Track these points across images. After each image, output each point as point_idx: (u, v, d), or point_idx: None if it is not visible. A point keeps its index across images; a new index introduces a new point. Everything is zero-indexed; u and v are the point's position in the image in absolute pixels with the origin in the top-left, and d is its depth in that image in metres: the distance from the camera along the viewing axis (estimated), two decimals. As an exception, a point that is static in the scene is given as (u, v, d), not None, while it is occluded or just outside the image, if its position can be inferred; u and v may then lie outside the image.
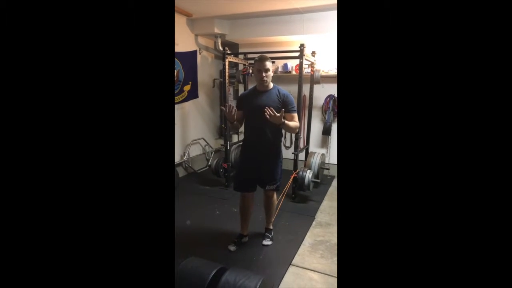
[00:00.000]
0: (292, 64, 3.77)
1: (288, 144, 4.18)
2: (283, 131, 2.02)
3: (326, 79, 3.58)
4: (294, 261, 1.95)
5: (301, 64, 2.81)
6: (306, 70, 3.33)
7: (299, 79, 2.84)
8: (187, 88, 3.64)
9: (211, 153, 4.11)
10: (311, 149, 3.73)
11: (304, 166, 3.17)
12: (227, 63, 3.07)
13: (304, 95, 3.57)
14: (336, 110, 3.68)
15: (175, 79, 3.45)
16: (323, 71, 3.51)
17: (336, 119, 3.76)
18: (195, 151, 4.00)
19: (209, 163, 3.85)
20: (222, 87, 3.97)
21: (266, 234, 2.18)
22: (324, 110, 3.77)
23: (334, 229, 2.41)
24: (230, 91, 4.02)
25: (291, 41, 3.66)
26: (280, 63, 3.87)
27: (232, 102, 2.63)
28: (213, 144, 4.29)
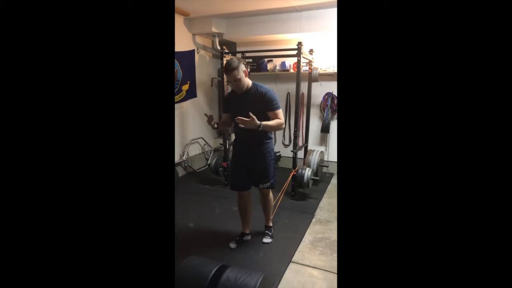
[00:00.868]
0: (290, 62, 3.78)
1: (287, 142, 4.19)
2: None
3: (324, 77, 3.58)
4: (294, 258, 1.96)
5: (299, 62, 2.82)
6: (304, 68, 3.34)
7: (297, 77, 2.85)
8: (185, 87, 3.64)
9: (210, 152, 4.12)
10: (310, 147, 3.75)
11: (303, 164, 3.18)
12: (225, 62, 3.07)
13: (302, 93, 3.58)
14: (334, 107, 3.70)
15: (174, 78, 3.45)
16: (321, 69, 3.52)
17: (334, 117, 3.77)
18: (194, 150, 4.01)
19: (208, 162, 3.85)
20: (220, 86, 3.97)
21: (266, 231, 2.20)
22: (322, 108, 3.78)
23: (333, 226, 2.42)
24: (228, 90, 4.02)
25: (289, 39, 3.67)
26: (278, 61, 3.88)
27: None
28: (212, 143, 4.30)
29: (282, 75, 3.94)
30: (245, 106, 1.81)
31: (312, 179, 2.96)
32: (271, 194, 2.12)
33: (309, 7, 3.11)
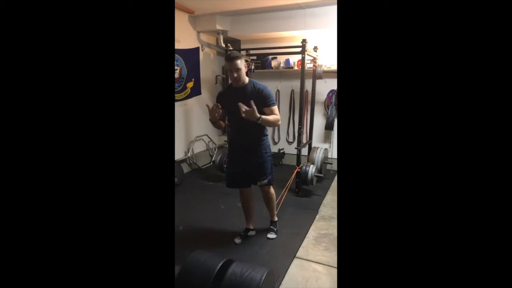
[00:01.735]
0: (294, 59, 3.78)
1: (291, 139, 4.21)
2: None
3: (328, 74, 3.58)
4: (298, 254, 1.99)
5: (303, 59, 2.82)
6: (308, 65, 3.34)
7: (302, 74, 2.86)
8: (190, 85, 3.67)
9: (215, 149, 4.15)
10: (314, 144, 3.76)
11: (307, 161, 3.20)
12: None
13: (307, 90, 3.58)
14: (338, 105, 3.70)
15: (178, 76, 3.47)
16: (325, 66, 3.52)
17: (338, 114, 3.78)
18: (199, 147, 4.04)
19: (213, 159, 3.89)
20: (224, 83, 3.99)
21: (271, 227, 2.23)
22: (326, 105, 3.78)
23: (337, 223, 2.44)
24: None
25: (293, 36, 3.67)
26: (282, 59, 3.88)
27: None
28: (217, 140, 4.33)
29: (287, 72, 3.94)
30: (241, 101, 1.82)
31: (316, 176, 2.98)
32: (272, 190, 2.13)
33: (313, 4, 3.11)
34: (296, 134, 3.18)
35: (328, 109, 3.73)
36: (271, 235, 2.17)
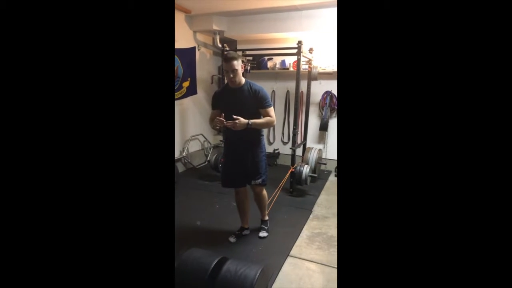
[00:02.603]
0: (289, 60, 3.81)
1: (285, 139, 4.24)
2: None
3: (323, 75, 3.62)
4: (292, 252, 2.01)
5: (298, 60, 2.86)
6: (304, 66, 3.37)
7: (297, 75, 2.89)
8: (186, 84, 3.67)
9: (210, 148, 4.16)
10: (308, 144, 3.79)
11: (302, 161, 3.23)
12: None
13: (302, 92, 3.62)
14: (333, 106, 3.74)
15: (175, 75, 3.48)
16: (320, 67, 3.56)
17: (333, 115, 3.82)
18: (194, 146, 4.04)
19: (208, 159, 3.89)
20: (220, 83, 4.00)
21: (262, 226, 2.24)
22: (321, 106, 3.82)
23: (330, 222, 2.48)
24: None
25: (289, 38, 3.70)
26: (278, 60, 3.91)
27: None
28: (212, 140, 4.34)
29: (282, 73, 3.97)
30: (238, 102, 1.84)
31: (310, 176, 3.01)
32: (264, 191, 2.12)
33: (309, 6, 3.15)
34: (291, 135, 3.21)
35: (323, 110, 3.77)
36: (263, 234, 2.19)
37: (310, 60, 3.36)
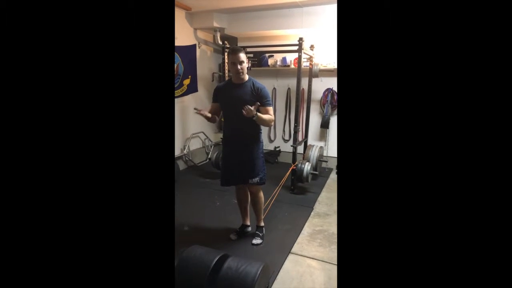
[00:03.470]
0: (290, 57, 3.80)
1: (287, 137, 4.23)
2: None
3: (324, 72, 3.61)
4: (293, 249, 2.02)
5: (299, 57, 2.84)
6: (305, 63, 3.36)
7: (298, 72, 2.88)
8: (186, 82, 3.67)
9: (211, 146, 4.16)
10: (309, 142, 3.79)
11: (303, 159, 3.22)
12: (226, 57, 3.09)
13: (303, 89, 3.60)
14: (334, 103, 3.73)
15: (175, 73, 3.47)
16: (321, 64, 3.54)
17: (334, 113, 3.81)
18: (195, 144, 4.04)
19: (209, 156, 3.90)
20: (221, 81, 3.99)
21: (257, 232, 2.14)
22: (322, 103, 3.81)
23: (332, 219, 2.48)
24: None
25: (290, 35, 3.68)
26: (279, 57, 3.90)
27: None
28: (213, 137, 4.33)
29: (283, 70, 3.96)
30: (240, 98, 1.83)
31: (311, 173, 3.01)
32: (261, 193, 2.08)
33: (310, 3, 3.13)
34: (292, 132, 3.20)
35: (324, 107, 3.76)
36: (256, 241, 2.08)
37: (311, 57, 3.34)
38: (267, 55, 3.91)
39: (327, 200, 2.88)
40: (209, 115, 1.84)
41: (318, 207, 2.73)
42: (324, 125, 3.75)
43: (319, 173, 3.36)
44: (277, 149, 4.22)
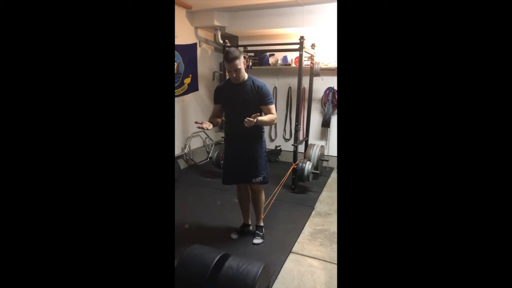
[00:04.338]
0: (291, 56, 3.79)
1: (287, 136, 4.22)
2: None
3: (325, 71, 3.60)
4: (294, 249, 2.01)
5: (300, 56, 2.83)
6: (306, 62, 3.35)
7: (299, 71, 2.87)
8: (187, 81, 3.66)
9: (212, 145, 4.15)
10: (310, 141, 3.78)
11: (304, 158, 3.22)
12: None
13: (304, 88, 3.59)
14: (335, 102, 3.72)
15: (176, 72, 3.46)
16: (322, 63, 3.53)
17: (335, 111, 3.80)
18: (195, 143, 4.04)
19: (210, 155, 3.89)
20: (222, 79, 3.98)
21: (257, 232, 2.13)
22: (323, 102, 3.80)
23: (333, 219, 2.47)
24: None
25: (291, 33, 3.67)
26: (279, 56, 3.89)
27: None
28: (214, 136, 4.33)
29: (284, 69, 3.94)
30: (240, 98, 1.82)
31: (312, 172, 3.00)
32: (263, 193, 2.08)
33: (311, 2, 3.11)
34: (293, 131, 3.20)
35: (325, 106, 3.75)
36: (257, 240, 2.07)
37: (312, 56, 3.33)
38: (268, 54, 3.89)
39: (328, 200, 2.88)
40: (210, 126, 1.77)
41: (319, 206, 2.73)
42: (325, 124, 3.74)
43: (320, 172, 3.35)
44: (278, 148, 4.22)
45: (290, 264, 1.85)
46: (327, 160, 3.64)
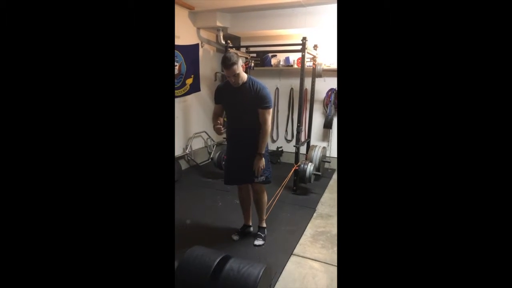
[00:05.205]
0: (294, 57, 3.78)
1: (289, 137, 4.21)
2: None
3: (327, 72, 3.59)
4: (295, 251, 2.00)
5: (303, 57, 2.82)
6: (308, 63, 3.34)
7: (301, 72, 2.86)
8: (189, 81, 3.66)
9: (213, 146, 4.15)
10: (312, 142, 3.76)
11: (306, 159, 3.20)
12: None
13: (306, 89, 3.59)
14: (337, 103, 3.71)
15: (178, 72, 3.46)
16: (325, 64, 3.52)
17: (337, 113, 3.79)
18: (197, 144, 4.03)
19: (211, 156, 3.89)
20: (223, 80, 3.98)
21: (258, 233, 2.12)
22: (325, 103, 3.79)
23: (334, 221, 2.45)
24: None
25: (293, 34, 3.66)
26: (282, 57, 3.88)
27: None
28: (215, 137, 4.32)
29: (286, 70, 3.94)
30: (239, 100, 1.82)
31: (314, 174, 2.99)
32: (265, 193, 2.07)
33: (313, 3, 3.11)
34: (295, 132, 3.19)
35: (327, 107, 3.73)
36: (258, 242, 2.06)
37: (314, 57, 3.32)
38: (270, 54, 3.89)
39: (329, 201, 2.86)
40: (222, 127, 1.90)
41: (321, 208, 2.71)
42: (327, 125, 3.72)
43: (322, 173, 3.34)
44: (280, 149, 4.20)
45: (292, 266, 1.84)
46: (329, 162, 3.62)
